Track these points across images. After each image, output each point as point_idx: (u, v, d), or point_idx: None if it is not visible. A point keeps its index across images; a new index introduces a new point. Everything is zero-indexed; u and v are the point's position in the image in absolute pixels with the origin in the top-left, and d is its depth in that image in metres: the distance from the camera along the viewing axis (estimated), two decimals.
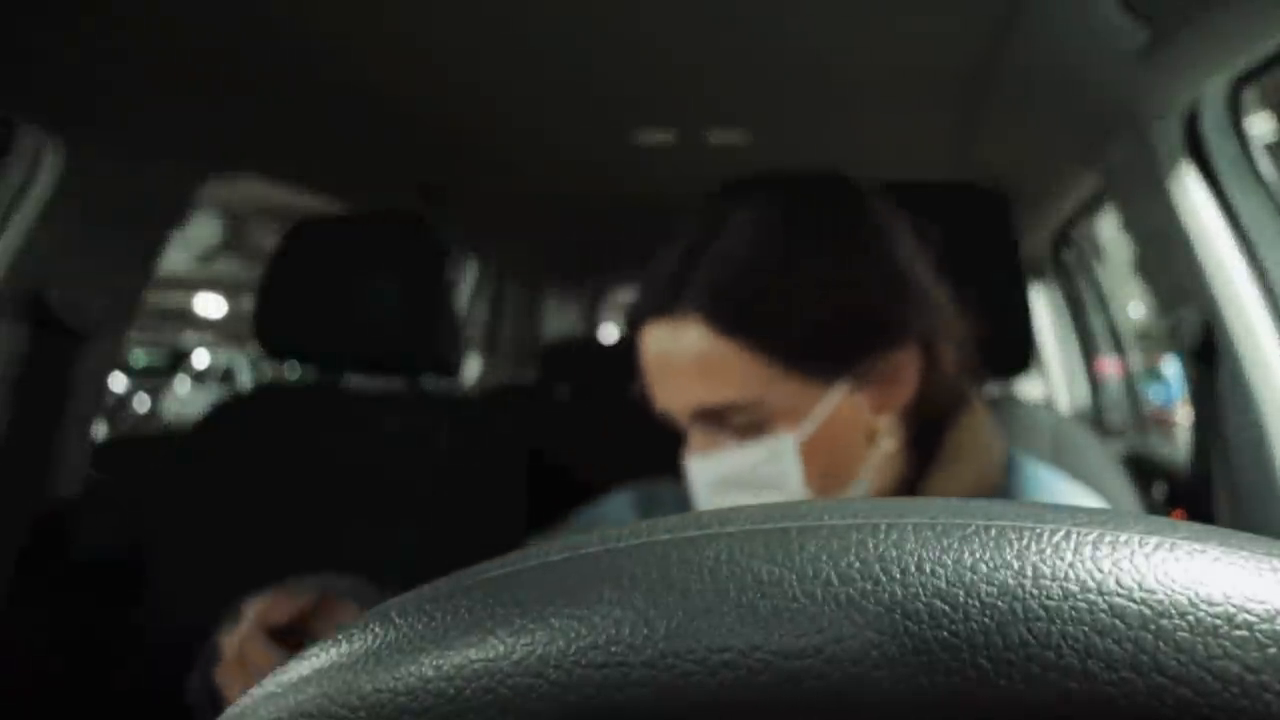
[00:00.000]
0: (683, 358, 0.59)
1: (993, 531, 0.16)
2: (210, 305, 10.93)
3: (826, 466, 0.60)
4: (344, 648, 0.17)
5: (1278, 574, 0.15)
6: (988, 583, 0.15)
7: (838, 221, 0.62)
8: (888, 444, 0.61)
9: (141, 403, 8.12)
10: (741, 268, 0.59)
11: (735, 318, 0.58)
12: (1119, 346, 2.12)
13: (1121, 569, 0.15)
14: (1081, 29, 0.95)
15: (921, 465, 0.64)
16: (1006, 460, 0.67)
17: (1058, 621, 0.14)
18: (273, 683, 0.17)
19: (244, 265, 8.03)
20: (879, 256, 0.61)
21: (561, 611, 0.16)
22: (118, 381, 7.32)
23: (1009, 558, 0.15)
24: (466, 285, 2.71)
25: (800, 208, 0.61)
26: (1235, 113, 1.01)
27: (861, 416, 0.61)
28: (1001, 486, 0.65)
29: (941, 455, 0.64)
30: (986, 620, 0.14)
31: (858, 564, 0.15)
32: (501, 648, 0.16)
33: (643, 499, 0.75)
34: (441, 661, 0.16)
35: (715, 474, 0.60)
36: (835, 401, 0.60)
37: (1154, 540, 0.15)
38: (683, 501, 0.68)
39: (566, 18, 1.10)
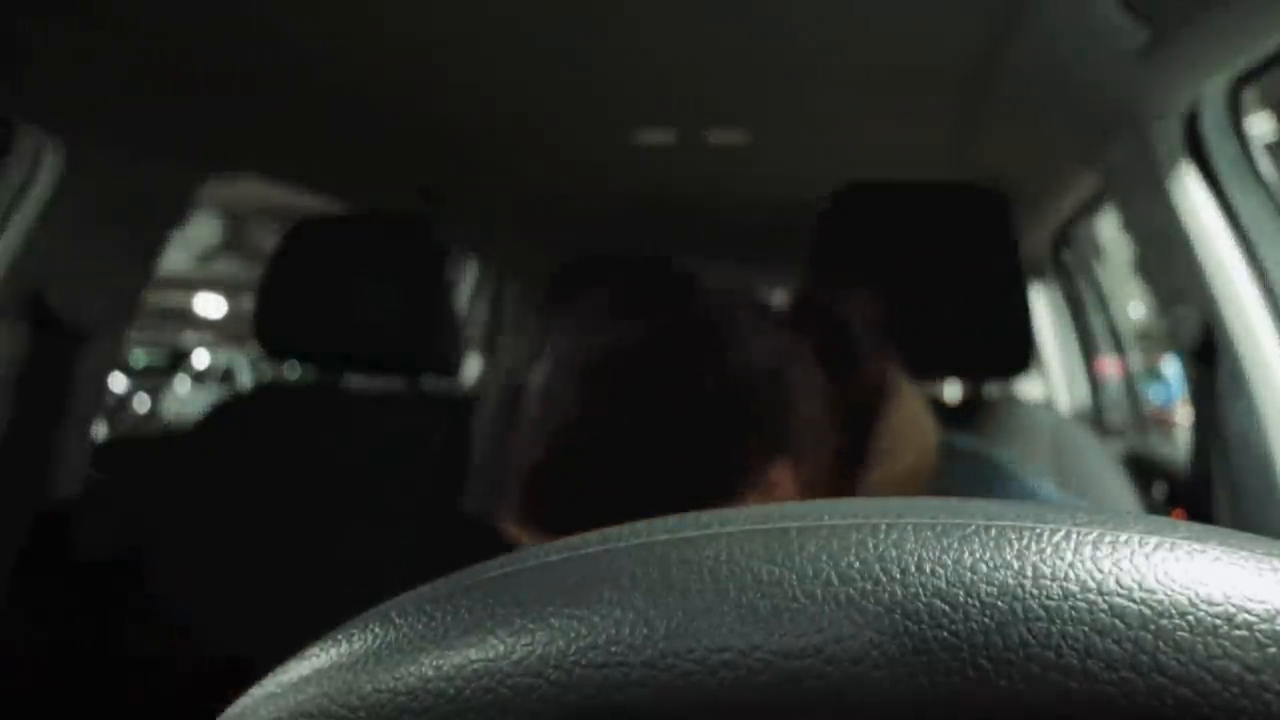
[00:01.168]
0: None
1: (993, 531, 0.16)
2: (210, 305, 10.92)
3: None
4: (344, 648, 0.17)
5: (1278, 574, 0.15)
6: (988, 583, 0.15)
7: (662, 346, 0.50)
8: None
9: (141, 403, 8.11)
10: (550, 454, 0.49)
11: (557, 516, 0.49)
12: (1119, 346, 2.12)
13: (1121, 569, 0.15)
14: (1081, 29, 0.95)
15: (853, 459, 0.57)
16: (941, 446, 0.61)
17: (1058, 621, 0.14)
18: (273, 683, 0.17)
19: (244, 265, 8.03)
20: (720, 374, 0.50)
21: (561, 611, 0.16)
22: (118, 381, 7.32)
23: (1009, 558, 0.15)
24: (466, 285, 2.71)
25: (617, 331, 0.50)
26: (1235, 113, 1.01)
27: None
28: (934, 474, 0.59)
29: (870, 449, 0.57)
30: (986, 620, 0.14)
31: (858, 564, 0.15)
32: (501, 648, 0.16)
33: None
34: (441, 661, 0.16)
35: None
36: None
37: (1154, 540, 0.15)
38: None
39: (566, 18, 1.10)
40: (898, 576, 0.15)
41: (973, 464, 0.62)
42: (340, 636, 0.17)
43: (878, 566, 0.15)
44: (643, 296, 0.53)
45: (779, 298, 0.63)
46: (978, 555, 0.15)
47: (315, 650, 0.17)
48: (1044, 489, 0.61)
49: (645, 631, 0.15)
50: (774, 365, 0.52)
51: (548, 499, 0.49)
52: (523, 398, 0.50)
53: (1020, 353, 0.96)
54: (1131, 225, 1.18)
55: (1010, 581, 0.15)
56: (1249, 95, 1.01)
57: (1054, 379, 2.31)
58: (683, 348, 0.50)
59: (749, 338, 0.52)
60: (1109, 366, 2.14)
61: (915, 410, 0.60)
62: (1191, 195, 1.00)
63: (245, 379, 8.77)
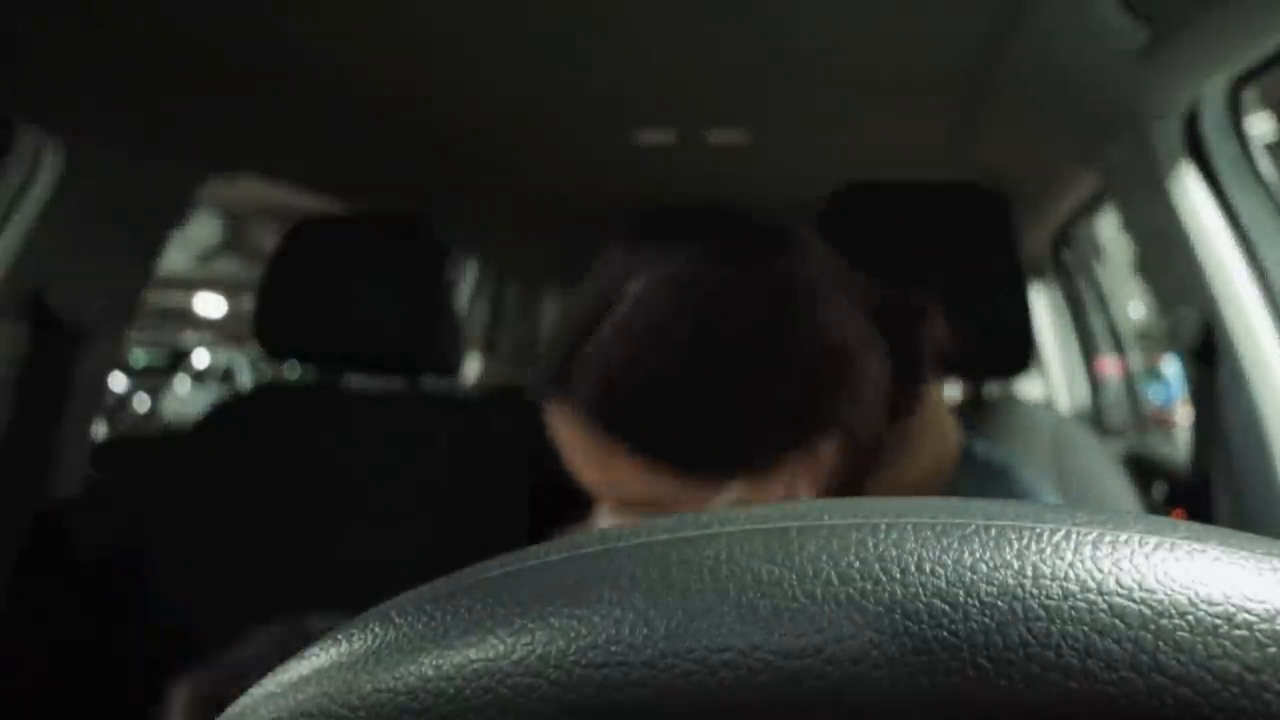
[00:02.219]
0: (574, 446, 0.53)
1: (993, 531, 0.16)
2: (210, 305, 10.92)
3: None
4: (344, 648, 0.17)
5: (1278, 574, 0.15)
6: (988, 583, 0.15)
7: (759, 297, 0.51)
8: None
9: (141, 403, 8.11)
10: (630, 359, 0.50)
11: (618, 417, 0.51)
12: (1119, 346, 2.12)
13: (1121, 569, 0.15)
14: (1081, 29, 0.95)
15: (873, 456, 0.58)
16: (959, 451, 0.62)
17: (1058, 621, 0.14)
18: (273, 682, 0.17)
19: (244, 265, 8.03)
20: (806, 338, 0.52)
21: (561, 611, 0.16)
22: (118, 381, 7.32)
23: (1009, 558, 0.15)
24: (466, 285, 2.71)
25: (717, 273, 0.52)
26: (1235, 113, 1.01)
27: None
28: (948, 479, 0.60)
29: (889, 448, 0.58)
30: (986, 620, 0.14)
31: (858, 564, 0.15)
32: (501, 648, 0.16)
33: None
34: (441, 661, 0.16)
35: None
36: (732, 499, 0.53)
37: (1154, 540, 0.15)
38: None
39: (566, 18, 1.10)
40: (898, 576, 0.15)
41: (986, 476, 0.61)
42: (340, 636, 0.17)
43: (878, 566, 0.15)
44: (751, 243, 0.54)
45: None
46: (978, 555, 0.15)
47: (315, 650, 0.17)
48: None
49: (645, 631, 0.15)
50: (855, 346, 0.53)
51: (617, 396, 0.50)
52: (615, 301, 0.52)
53: (1020, 353, 0.96)
54: (1131, 225, 1.18)
55: (1010, 581, 0.15)
56: (1249, 95, 1.01)
57: (1054, 379, 2.31)
58: (781, 300, 0.51)
59: (840, 312, 0.53)
60: (1109, 366, 2.14)
61: (939, 418, 0.61)
62: (1191, 195, 1.00)
63: (245, 379, 8.77)
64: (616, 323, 0.51)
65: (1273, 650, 0.14)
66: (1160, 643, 0.14)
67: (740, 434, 0.51)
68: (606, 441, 0.51)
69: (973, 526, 0.16)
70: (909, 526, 0.16)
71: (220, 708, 0.19)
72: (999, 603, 0.14)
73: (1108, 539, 0.15)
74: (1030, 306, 0.96)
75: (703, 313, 0.50)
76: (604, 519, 0.56)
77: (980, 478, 0.61)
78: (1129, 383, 2.14)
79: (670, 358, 0.50)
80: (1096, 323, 2.14)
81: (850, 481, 0.55)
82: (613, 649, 0.15)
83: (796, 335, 0.51)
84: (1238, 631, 0.14)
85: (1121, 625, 0.14)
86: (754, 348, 0.51)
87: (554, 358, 0.53)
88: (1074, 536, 0.15)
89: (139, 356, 8.82)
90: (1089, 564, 0.15)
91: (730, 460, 0.52)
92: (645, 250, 0.54)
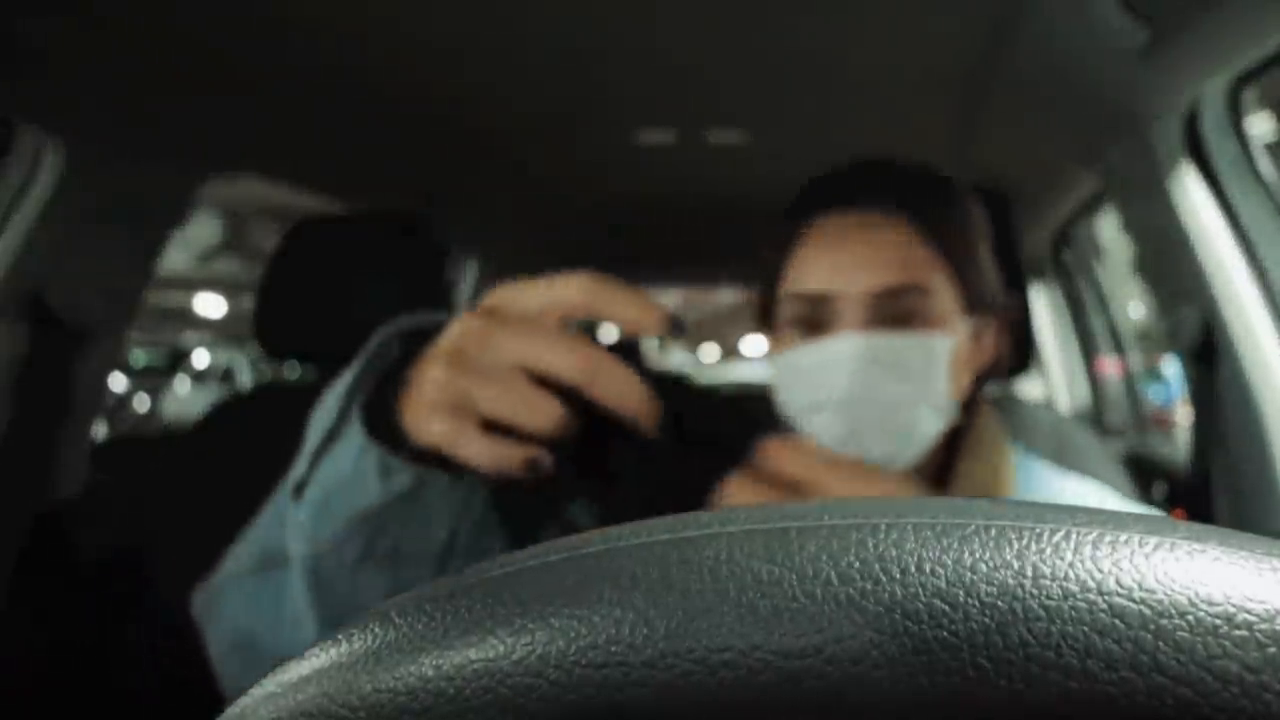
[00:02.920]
0: (872, 245, 0.62)
1: (993, 531, 0.16)
2: (210, 305, 10.93)
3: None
4: (344, 648, 0.17)
5: (1278, 574, 0.15)
6: (988, 583, 0.15)
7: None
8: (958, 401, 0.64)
9: (141, 403, 8.11)
10: (938, 179, 0.67)
11: (930, 221, 0.62)
12: (1119, 346, 2.12)
13: (1121, 569, 0.15)
14: (1081, 29, 0.95)
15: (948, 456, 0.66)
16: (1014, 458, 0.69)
17: (1058, 621, 0.14)
18: (273, 683, 0.17)
19: (244, 265, 8.03)
20: (1005, 235, 0.66)
21: (561, 611, 0.16)
22: (118, 381, 7.32)
23: (1009, 558, 0.15)
24: (466, 285, 2.71)
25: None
26: (1235, 113, 1.01)
27: (965, 361, 0.64)
28: (1013, 484, 0.66)
29: (964, 445, 0.66)
30: (986, 620, 0.14)
31: (858, 564, 0.15)
32: (501, 648, 0.16)
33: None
34: (441, 661, 0.16)
35: (871, 350, 0.60)
36: (967, 332, 0.63)
37: (1154, 540, 0.15)
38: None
39: (567, 18, 1.10)
40: (898, 576, 0.15)
41: (1042, 479, 0.68)
42: (340, 636, 0.17)
43: (878, 566, 0.15)
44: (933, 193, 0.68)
45: None
46: (978, 555, 0.15)
47: (315, 650, 0.17)
48: None
49: (645, 631, 0.15)
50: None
51: None
52: None
53: (1020, 353, 0.96)
54: (1131, 225, 1.18)
55: (1010, 581, 0.15)
56: (1249, 95, 1.01)
57: (1054, 379, 2.31)
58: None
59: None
60: (1109, 366, 2.14)
61: (993, 423, 0.68)
62: (1191, 195, 1.00)
63: (245, 379, 8.77)
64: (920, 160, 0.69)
65: (1273, 650, 0.14)
66: (1160, 643, 0.14)
67: (989, 274, 0.67)
68: (915, 240, 0.63)
69: (973, 526, 0.16)
70: (909, 526, 0.16)
71: None
72: (999, 603, 0.14)
73: (1108, 539, 0.15)
74: (1030, 306, 0.96)
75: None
76: None
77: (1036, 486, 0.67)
78: (1129, 383, 2.14)
79: (958, 191, 0.69)
80: (1096, 323, 2.14)
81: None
82: (613, 649, 0.15)
83: (1008, 232, 0.68)
84: (1238, 631, 0.14)
85: (1121, 625, 0.14)
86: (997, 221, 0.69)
87: (857, 175, 0.68)
88: (1074, 536, 0.15)
89: (139, 356, 8.82)
90: (1089, 564, 0.15)
91: (981, 293, 0.65)
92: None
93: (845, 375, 0.60)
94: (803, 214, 0.65)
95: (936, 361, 0.61)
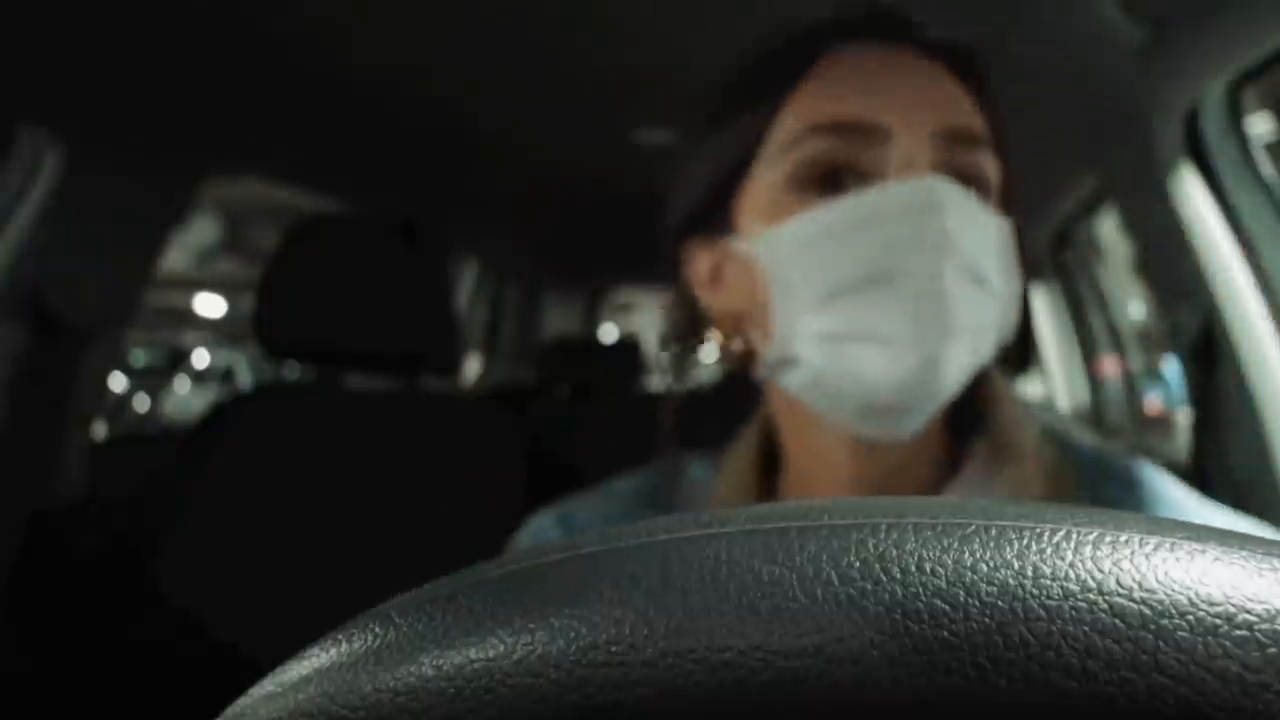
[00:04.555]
0: (924, 75, 0.46)
1: (993, 531, 0.16)
2: (210, 305, 10.92)
3: None
4: (344, 647, 0.17)
5: (1278, 574, 0.15)
6: (988, 583, 0.15)
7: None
8: None
9: (141, 403, 8.11)
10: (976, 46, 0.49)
11: (975, 79, 0.48)
12: (1119, 346, 2.12)
13: (1121, 569, 0.15)
14: (1081, 29, 0.95)
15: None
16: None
17: (1058, 621, 0.14)
18: (272, 682, 0.17)
19: (244, 265, 8.03)
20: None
21: (561, 611, 0.16)
22: (118, 381, 7.32)
23: (1009, 558, 0.15)
24: (466, 285, 2.71)
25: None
26: (1235, 113, 1.01)
27: None
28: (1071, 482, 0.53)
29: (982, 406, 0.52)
30: (986, 620, 0.14)
31: (858, 564, 0.15)
32: (501, 648, 0.16)
33: (563, 519, 0.58)
34: (441, 661, 0.16)
35: (961, 211, 0.43)
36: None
37: (1154, 540, 0.15)
38: (602, 517, 0.55)
39: (566, 17, 1.11)
40: (898, 576, 0.15)
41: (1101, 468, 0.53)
42: (340, 636, 0.17)
43: (878, 566, 0.15)
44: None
45: None
46: (978, 555, 0.15)
47: (315, 650, 0.17)
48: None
49: (645, 631, 0.15)
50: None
51: None
52: None
53: (1020, 353, 0.96)
54: (1131, 225, 1.18)
55: (1010, 581, 0.15)
56: (1249, 95, 1.01)
57: (1054, 379, 2.31)
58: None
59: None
60: (1109, 366, 2.14)
61: (1015, 400, 0.54)
62: (1191, 195, 1.00)
63: (245, 379, 8.77)
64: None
65: (1273, 650, 0.14)
66: (1160, 643, 0.14)
67: (1018, 163, 0.50)
68: (965, 92, 0.48)
69: (973, 526, 0.16)
70: (909, 526, 0.16)
71: None
72: (999, 603, 0.14)
73: (1108, 539, 0.15)
74: (1030, 306, 0.96)
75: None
76: None
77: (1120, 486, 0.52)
78: (1129, 383, 2.14)
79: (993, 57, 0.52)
80: (1096, 322, 2.14)
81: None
82: (613, 649, 0.15)
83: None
84: (1238, 632, 0.14)
85: (1122, 625, 0.14)
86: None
87: (897, 11, 0.50)
88: (1074, 536, 0.15)
89: (139, 356, 8.81)
90: (1089, 564, 0.15)
91: (1010, 182, 0.49)
92: None
93: (923, 239, 0.42)
94: (807, 43, 0.48)
95: (1007, 257, 0.46)
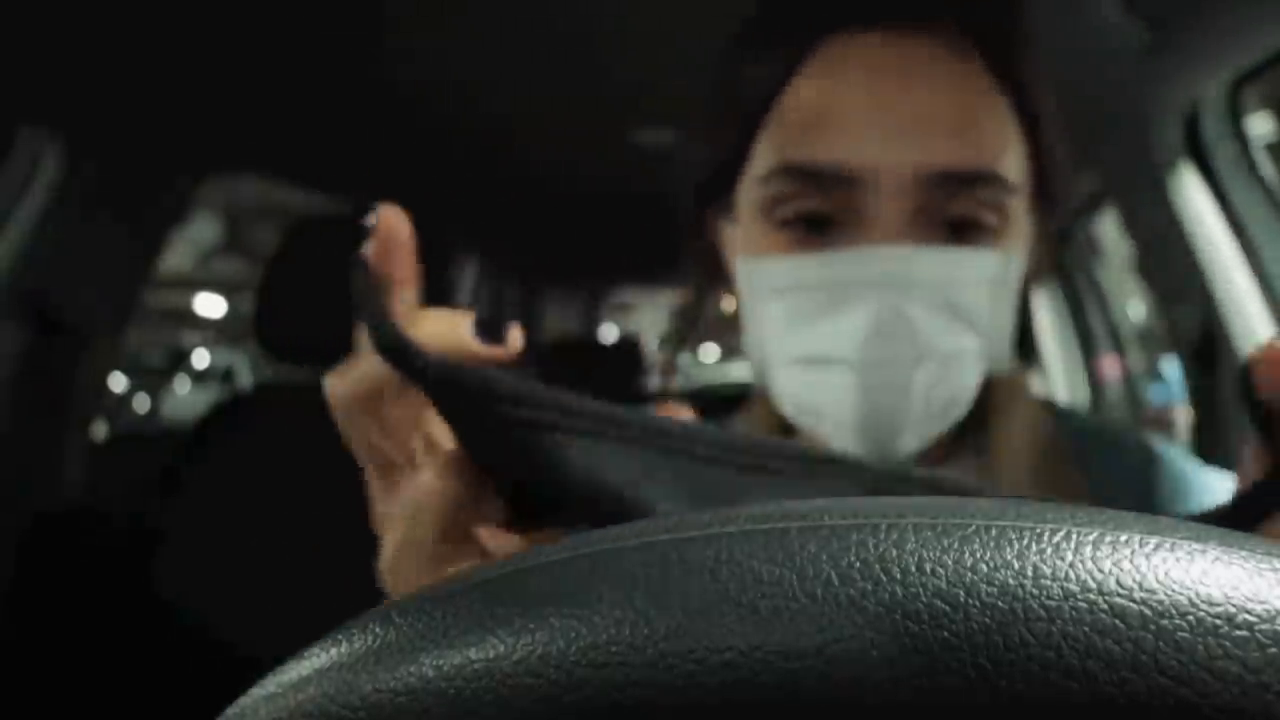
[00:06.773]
0: (919, 81, 0.40)
1: (993, 531, 0.16)
2: (210, 305, 10.93)
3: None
4: (344, 648, 0.17)
5: (1278, 574, 0.15)
6: (988, 583, 0.15)
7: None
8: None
9: (141, 403, 8.11)
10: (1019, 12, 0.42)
11: (992, 35, 0.42)
12: (1119, 346, 2.12)
13: (1122, 569, 0.15)
14: (1081, 29, 0.95)
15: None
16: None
17: (1058, 621, 0.14)
18: (272, 683, 0.17)
19: (244, 265, 8.03)
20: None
21: (561, 611, 0.16)
22: (118, 381, 7.32)
23: (1009, 558, 0.15)
24: (466, 285, 2.71)
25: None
26: (1235, 113, 1.01)
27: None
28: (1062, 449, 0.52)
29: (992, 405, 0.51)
30: (986, 620, 0.14)
31: (858, 564, 0.15)
32: (501, 648, 0.16)
33: None
34: (441, 661, 0.16)
35: (918, 282, 0.39)
36: (1032, 232, 0.45)
37: (1154, 540, 0.15)
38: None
39: (566, 17, 1.10)
40: (898, 576, 0.15)
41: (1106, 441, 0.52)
42: (340, 636, 0.17)
43: (878, 566, 0.15)
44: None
45: None
46: (978, 555, 0.15)
47: (315, 650, 0.17)
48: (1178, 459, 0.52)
49: (645, 631, 0.15)
50: None
51: None
52: None
53: (1020, 352, 0.96)
54: (1131, 225, 1.18)
55: (1010, 581, 0.15)
56: (1249, 95, 1.01)
57: (1054, 379, 2.31)
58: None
59: None
60: (1109, 366, 2.14)
61: (1022, 386, 0.54)
62: (1191, 195, 1.00)
63: (245, 379, 8.77)
64: None
65: (1273, 650, 0.14)
66: (1161, 643, 0.14)
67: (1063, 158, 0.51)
68: (991, 88, 0.45)
69: (973, 527, 0.16)
70: (909, 526, 0.16)
71: None
72: (999, 603, 0.14)
73: (1108, 539, 0.15)
74: (1030, 306, 0.96)
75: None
76: None
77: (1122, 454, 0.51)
78: (1129, 383, 2.14)
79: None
80: (1096, 322, 2.14)
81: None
82: (613, 649, 0.15)
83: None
84: (1238, 632, 0.14)
85: (1122, 626, 0.14)
86: None
87: None
88: (1074, 537, 0.15)
89: (139, 356, 8.82)
90: (1089, 564, 0.15)
91: (1053, 182, 0.48)
92: None
93: (871, 321, 0.39)
94: (800, 30, 0.43)
95: (1008, 290, 0.42)
